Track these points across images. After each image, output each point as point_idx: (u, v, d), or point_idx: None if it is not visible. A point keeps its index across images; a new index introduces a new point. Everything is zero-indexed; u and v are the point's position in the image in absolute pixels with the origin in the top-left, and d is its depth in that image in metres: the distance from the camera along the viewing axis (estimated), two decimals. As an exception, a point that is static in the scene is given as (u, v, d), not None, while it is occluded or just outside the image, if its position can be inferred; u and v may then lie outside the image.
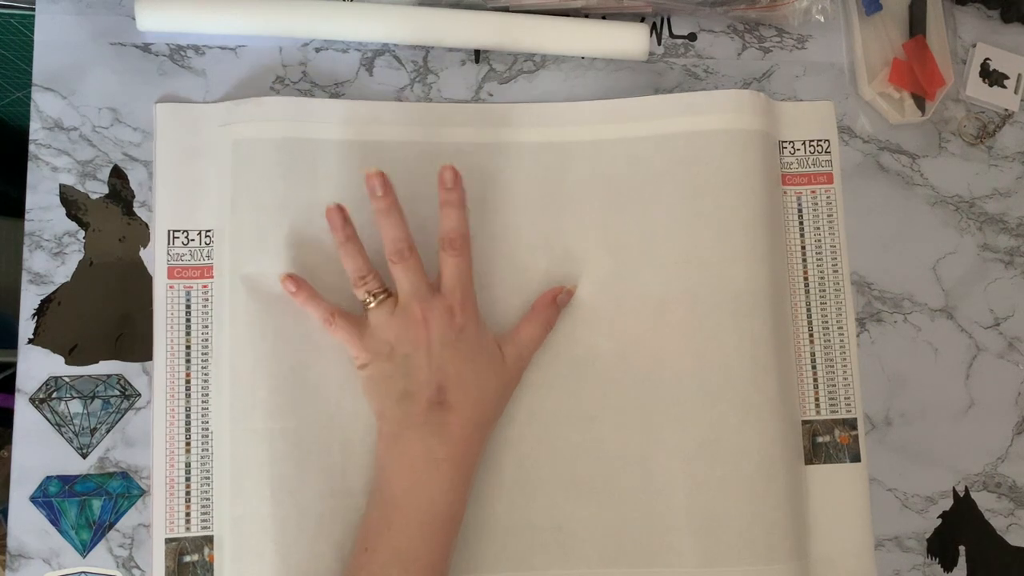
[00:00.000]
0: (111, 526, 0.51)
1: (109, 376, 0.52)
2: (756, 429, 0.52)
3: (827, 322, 0.56)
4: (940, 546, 0.56)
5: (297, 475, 0.50)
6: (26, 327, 0.52)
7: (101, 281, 0.53)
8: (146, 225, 0.54)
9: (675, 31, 0.59)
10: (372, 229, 0.50)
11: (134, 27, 0.54)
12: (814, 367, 0.56)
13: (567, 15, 0.58)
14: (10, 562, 0.50)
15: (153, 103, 0.54)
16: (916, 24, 0.60)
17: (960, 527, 0.56)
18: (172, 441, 0.51)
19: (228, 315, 0.52)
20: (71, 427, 0.51)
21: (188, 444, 0.51)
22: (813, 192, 0.57)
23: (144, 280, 0.53)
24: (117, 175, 0.54)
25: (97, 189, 0.54)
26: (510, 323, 0.52)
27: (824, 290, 0.56)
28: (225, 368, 0.51)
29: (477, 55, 0.58)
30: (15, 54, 0.80)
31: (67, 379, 0.52)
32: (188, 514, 0.51)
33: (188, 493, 0.51)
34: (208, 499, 0.51)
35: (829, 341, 0.56)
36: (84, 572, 0.50)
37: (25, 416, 0.51)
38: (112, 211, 0.54)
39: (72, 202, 0.53)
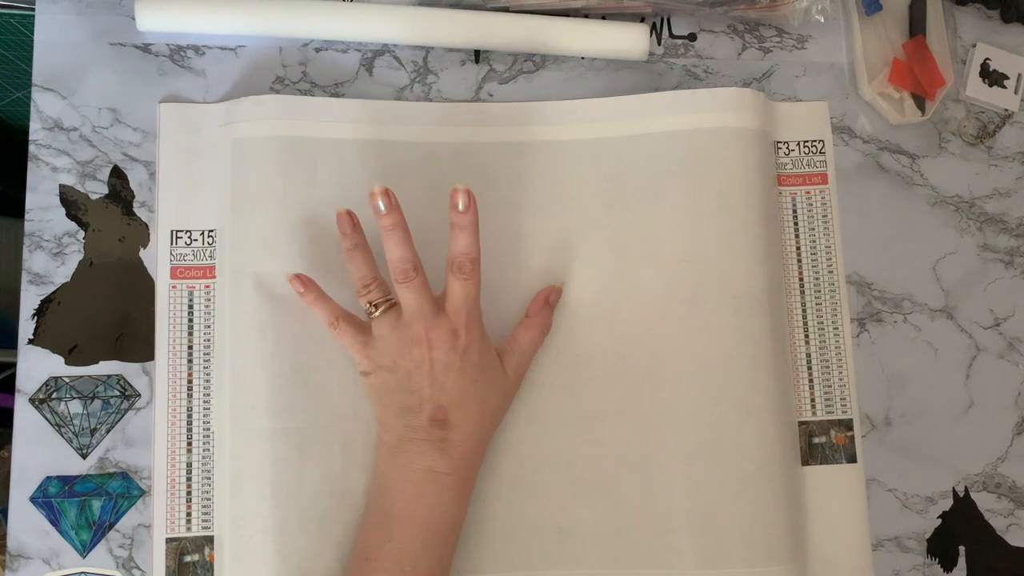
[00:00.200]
0: (111, 526, 0.51)
1: (109, 376, 0.52)
2: (756, 430, 0.52)
3: (823, 323, 0.56)
4: (940, 546, 0.56)
5: (298, 475, 0.50)
6: (26, 327, 0.52)
7: (101, 281, 0.53)
8: (146, 225, 0.54)
9: (675, 31, 0.59)
10: (377, 230, 0.49)
11: (134, 27, 0.54)
12: (810, 368, 0.56)
13: (567, 15, 0.58)
14: (10, 562, 0.50)
15: (154, 103, 0.55)
16: (916, 24, 0.60)
17: (960, 527, 0.56)
18: (173, 441, 0.51)
19: (229, 315, 0.52)
20: (71, 427, 0.51)
21: (189, 444, 0.51)
22: (808, 193, 0.57)
23: (144, 280, 0.53)
24: (117, 175, 0.54)
25: (97, 189, 0.54)
26: (510, 322, 0.52)
27: (819, 291, 0.57)
28: (227, 368, 0.52)
29: (477, 55, 0.58)
30: (15, 54, 0.80)
31: (67, 379, 0.52)
32: (189, 514, 0.51)
33: (189, 493, 0.51)
34: (209, 499, 0.51)
35: (825, 342, 0.56)
36: (84, 572, 0.50)
37: (25, 416, 0.51)
38: (112, 211, 0.54)
39: (72, 202, 0.53)
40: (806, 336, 0.56)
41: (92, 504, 0.51)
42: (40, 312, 0.52)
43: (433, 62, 0.57)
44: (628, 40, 0.57)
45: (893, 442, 0.56)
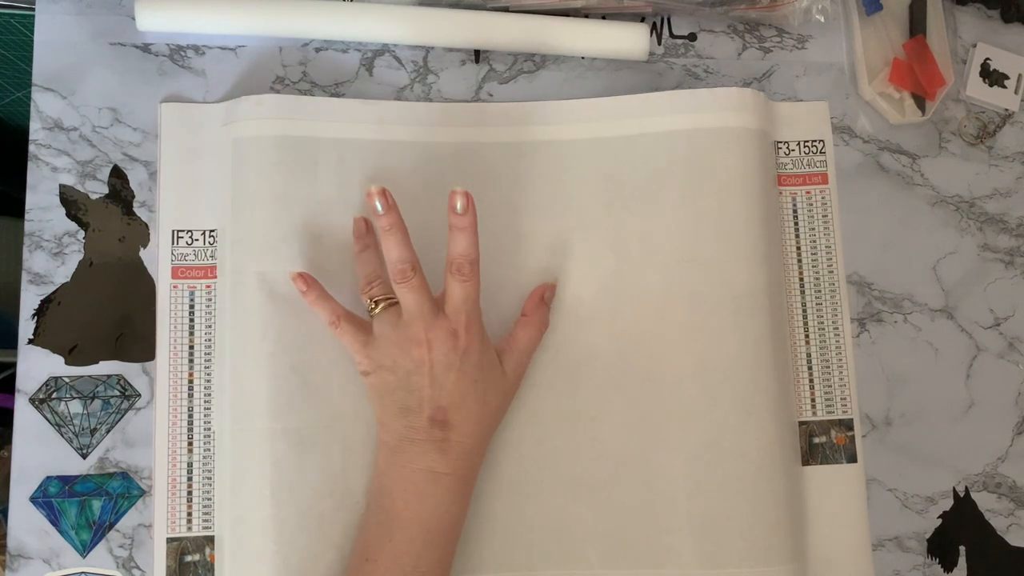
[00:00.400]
0: (111, 526, 0.51)
1: (109, 376, 0.52)
2: (756, 430, 0.52)
3: (823, 323, 0.56)
4: (940, 546, 0.56)
5: (298, 475, 0.50)
6: (26, 327, 0.52)
7: (101, 281, 0.53)
8: (146, 225, 0.54)
9: (675, 31, 0.59)
10: None
11: (134, 27, 0.54)
12: (810, 368, 0.56)
13: (567, 15, 0.58)
14: (10, 562, 0.50)
15: (154, 103, 0.55)
16: (916, 24, 0.60)
17: (960, 527, 0.56)
18: (174, 441, 0.51)
19: (230, 315, 0.52)
20: (71, 427, 0.51)
21: (190, 444, 0.51)
22: (808, 193, 0.57)
23: (144, 280, 0.53)
24: (117, 175, 0.54)
25: (97, 189, 0.54)
26: (510, 322, 0.52)
27: (820, 291, 0.57)
28: (227, 368, 0.52)
29: (477, 55, 0.58)
30: (15, 54, 0.80)
31: (67, 379, 0.52)
32: (190, 514, 0.51)
33: (190, 493, 0.51)
34: (210, 499, 0.51)
35: (825, 342, 0.56)
36: (84, 572, 0.50)
37: (25, 416, 0.51)
38: (112, 211, 0.54)
39: (72, 202, 0.53)
40: (806, 336, 0.56)
41: (92, 504, 0.51)
42: (40, 312, 0.52)
43: (433, 62, 0.57)
44: (628, 40, 0.57)
45: (893, 442, 0.56)
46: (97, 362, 0.52)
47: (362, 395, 0.50)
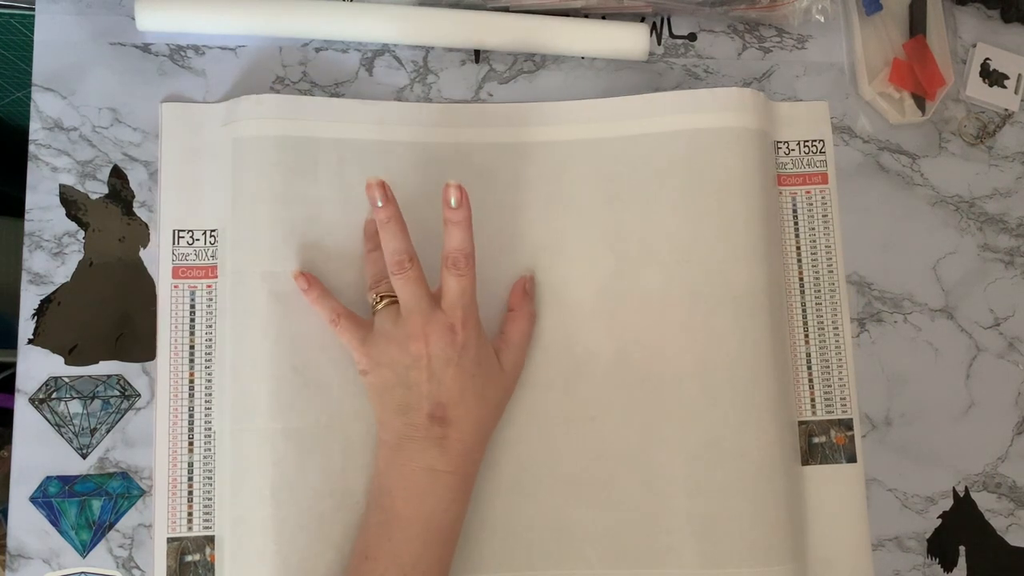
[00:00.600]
0: (111, 526, 0.51)
1: (109, 376, 0.52)
2: (756, 430, 0.52)
3: (823, 323, 0.56)
4: (940, 546, 0.56)
5: (298, 475, 0.50)
6: (26, 327, 0.52)
7: (101, 281, 0.53)
8: (146, 225, 0.54)
9: (675, 31, 0.59)
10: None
11: (134, 27, 0.54)
12: (809, 368, 0.56)
13: (567, 15, 0.58)
14: (10, 562, 0.50)
15: (154, 103, 0.55)
16: (916, 24, 0.60)
17: (960, 527, 0.56)
18: (175, 441, 0.51)
19: (230, 315, 0.52)
20: (71, 427, 0.51)
21: (191, 444, 0.51)
22: (808, 192, 0.57)
23: (144, 280, 0.53)
24: (117, 175, 0.54)
25: (97, 189, 0.54)
26: (509, 322, 0.52)
27: (819, 291, 0.57)
28: (228, 368, 0.52)
29: (477, 55, 0.58)
30: (15, 54, 0.80)
31: (67, 379, 0.52)
32: (190, 514, 0.51)
33: (190, 492, 0.51)
34: (210, 499, 0.51)
35: (824, 342, 0.56)
36: (84, 572, 0.50)
37: (25, 416, 0.51)
38: (112, 211, 0.54)
39: (72, 202, 0.53)
40: (806, 336, 0.56)
41: (92, 504, 0.51)
42: (40, 312, 0.52)
43: (433, 62, 0.57)
44: (628, 40, 0.57)
45: (893, 442, 0.56)
46: (97, 362, 0.52)
47: (362, 395, 0.50)
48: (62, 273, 0.53)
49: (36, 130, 0.54)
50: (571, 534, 0.51)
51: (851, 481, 0.55)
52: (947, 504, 0.56)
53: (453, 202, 0.47)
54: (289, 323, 0.51)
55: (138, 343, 0.52)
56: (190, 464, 0.51)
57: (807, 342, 0.56)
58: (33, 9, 0.55)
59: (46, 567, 0.50)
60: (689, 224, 0.54)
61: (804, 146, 0.58)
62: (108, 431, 0.52)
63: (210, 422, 0.52)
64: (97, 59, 0.55)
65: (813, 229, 0.57)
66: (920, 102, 0.59)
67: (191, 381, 0.52)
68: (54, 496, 0.51)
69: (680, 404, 0.52)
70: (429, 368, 0.47)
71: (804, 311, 0.56)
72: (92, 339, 0.52)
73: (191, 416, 0.52)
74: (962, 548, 0.56)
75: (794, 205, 0.57)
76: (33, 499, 0.51)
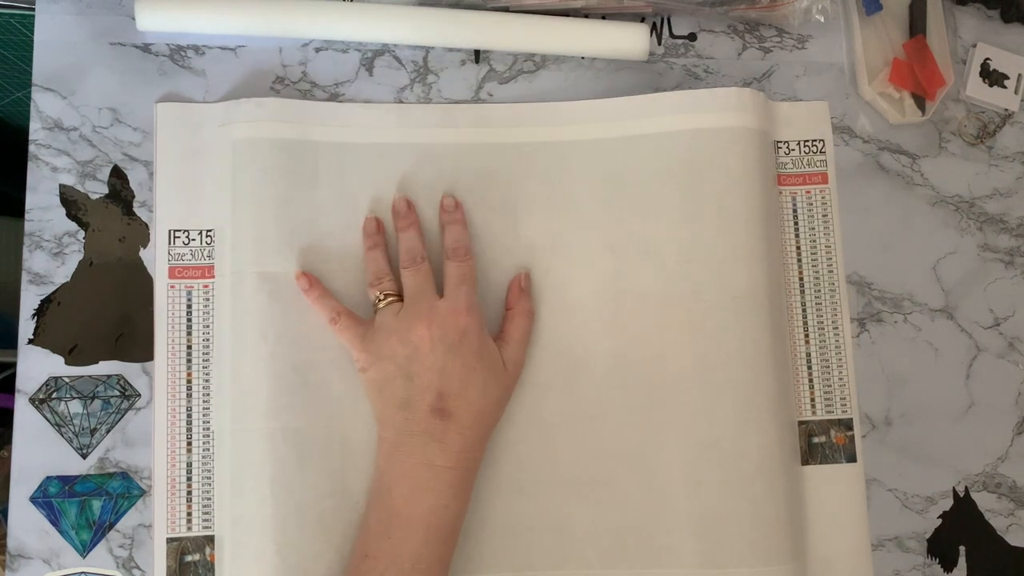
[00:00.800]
0: (111, 526, 0.51)
1: (109, 376, 0.52)
2: (756, 430, 0.52)
3: (823, 323, 0.56)
4: (940, 546, 0.56)
5: (298, 475, 0.50)
6: (26, 327, 0.52)
7: (101, 281, 0.53)
8: (146, 225, 0.54)
9: (675, 31, 0.59)
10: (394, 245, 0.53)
11: (134, 27, 0.54)
12: (809, 367, 0.56)
13: (567, 15, 0.58)
14: (10, 562, 0.50)
15: (153, 103, 0.54)
16: (916, 24, 0.60)
17: (960, 527, 0.56)
18: (173, 441, 0.51)
19: (229, 315, 0.52)
20: (71, 427, 0.51)
21: (189, 444, 0.51)
22: (808, 192, 0.57)
23: (144, 280, 0.53)
24: (117, 175, 0.54)
25: (97, 189, 0.54)
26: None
27: (819, 291, 0.56)
28: (227, 368, 0.52)
29: (477, 55, 0.58)
30: (15, 54, 0.80)
31: (67, 379, 0.52)
32: (190, 514, 0.51)
33: (189, 493, 0.51)
34: (209, 499, 0.51)
35: (824, 341, 0.56)
36: (84, 572, 0.50)
37: (25, 416, 0.51)
38: (112, 211, 0.54)
39: (72, 202, 0.53)
40: (806, 336, 0.56)
41: (92, 504, 0.51)
42: (40, 312, 0.52)
43: (433, 62, 0.57)
44: (628, 40, 0.57)
45: (893, 442, 0.56)
46: (97, 362, 0.52)
47: (362, 395, 0.50)
48: (62, 273, 0.53)
49: (36, 130, 0.54)
50: (571, 534, 0.51)
51: (851, 481, 0.55)
52: (947, 504, 0.56)
53: (450, 208, 0.53)
54: (289, 323, 0.51)
55: (138, 343, 0.52)
56: (189, 464, 0.51)
57: (807, 342, 0.56)
58: (33, 9, 0.55)
59: (46, 567, 0.50)
60: (689, 224, 0.54)
61: (804, 146, 0.58)
62: (108, 431, 0.52)
63: (208, 422, 0.52)
64: (97, 59, 0.55)
65: (813, 229, 0.57)
66: (920, 102, 0.59)
67: (189, 381, 0.52)
68: (54, 496, 0.51)
69: (680, 404, 0.52)
70: (432, 353, 0.47)
71: (804, 311, 0.56)
72: (92, 339, 0.52)
73: (189, 416, 0.52)
74: (962, 548, 0.56)
75: (794, 205, 0.57)
76: (33, 499, 0.51)
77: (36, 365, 0.52)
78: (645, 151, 0.55)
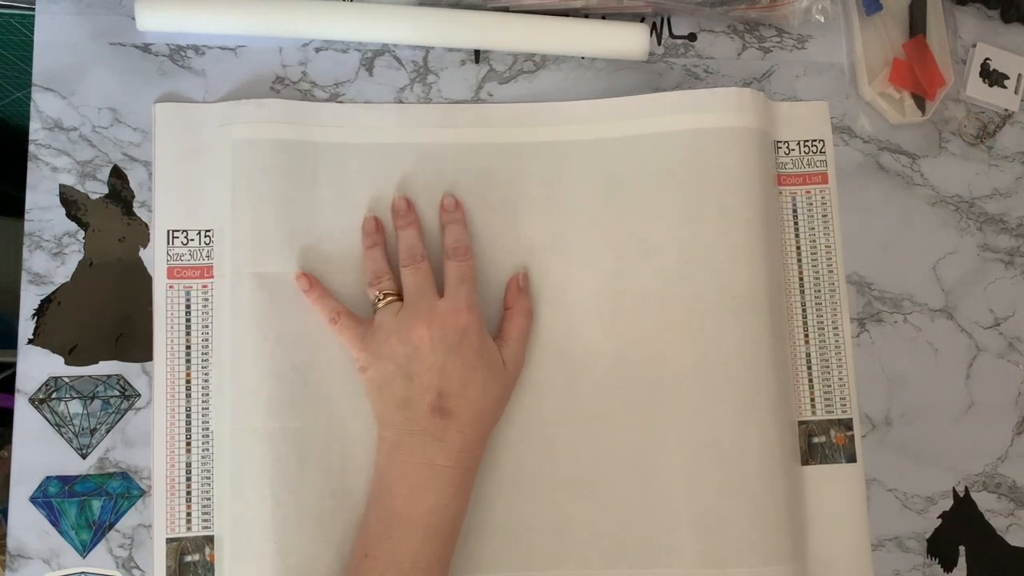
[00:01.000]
0: (111, 526, 0.51)
1: (109, 376, 0.52)
2: (756, 430, 0.52)
3: (823, 323, 0.56)
4: (940, 546, 0.56)
5: (298, 475, 0.50)
6: (26, 327, 0.52)
7: (101, 281, 0.53)
8: (146, 225, 0.54)
9: (675, 31, 0.59)
10: (393, 244, 0.53)
11: (134, 27, 0.54)
12: (809, 367, 0.56)
13: (567, 15, 0.58)
14: (10, 562, 0.50)
15: (152, 103, 0.54)
16: (916, 24, 0.60)
17: (960, 527, 0.56)
18: (173, 441, 0.51)
19: (229, 315, 0.52)
20: (71, 427, 0.51)
21: (189, 444, 0.51)
22: (808, 192, 0.57)
23: (144, 280, 0.53)
24: (117, 175, 0.54)
25: (97, 189, 0.54)
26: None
27: (819, 291, 0.56)
28: (226, 368, 0.52)
29: (477, 55, 0.58)
30: (15, 54, 0.80)
31: (67, 379, 0.52)
32: (189, 514, 0.51)
33: (189, 493, 0.51)
34: (209, 499, 0.51)
35: (824, 341, 0.56)
36: (84, 572, 0.50)
37: (25, 416, 0.51)
38: (112, 211, 0.54)
39: (72, 202, 0.53)
40: (806, 336, 0.56)
41: (92, 504, 0.51)
42: (40, 312, 0.52)
43: (433, 62, 0.57)
44: (628, 40, 0.57)
45: (893, 442, 0.56)
46: (97, 362, 0.52)
47: (362, 395, 0.50)
48: (62, 273, 0.53)
49: (36, 130, 0.54)
50: (571, 534, 0.51)
51: (851, 481, 0.55)
52: (947, 504, 0.56)
53: (450, 208, 0.53)
54: (289, 323, 0.51)
55: (138, 343, 0.52)
56: (188, 464, 0.51)
57: (807, 342, 0.56)
58: (33, 9, 0.55)
59: (46, 567, 0.50)
60: (689, 224, 0.54)
61: (804, 146, 0.58)
62: (108, 431, 0.52)
63: (208, 422, 0.52)
64: (97, 59, 0.55)
65: (813, 229, 0.57)
66: (920, 102, 0.59)
67: (188, 381, 0.52)
68: (54, 496, 0.51)
69: (680, 404, 0.52)
70: (432, 352, 0.47)
71: (804, 311, 0.56)
72: (92, 339, 0.52)
73: (188, 416, 0.52)
74: (962, 548, 0.56)
75: (794, 205, 0.57)
76: (33, 499, 0.51)
77: (36, 365, 0.52)
78: (645, 151, 0.55)
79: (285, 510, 0.49)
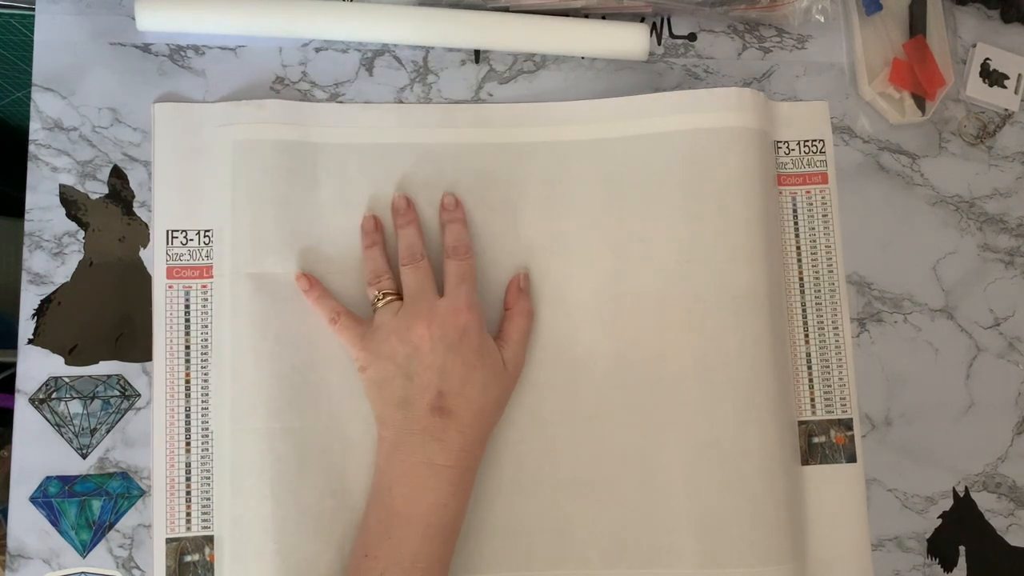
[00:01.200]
0: (111, 526, 0.51)
1: (109, 376, 0.52)
2: (756, 429, 0.52)
3: (823, 322, 0.56)
4: (940, 546, 0.56)
5: (297, 475, 0.50)
6: (26, 327, 0.52)
7: (101, 281, 0.53)
8: (146, 225, 0.54)
9: (675, 31, 0.59)
10: (393, 244, 0.53)
11: (134, 27, 0.54)
12: (809, 367, 0.56)
13: (567, 15, 0.58)
14: (10, 562, 0.50)
15: (151, 103, 0.54)
16: (916, 24, 0.60)
17: (960, 527, 0.56)
18: (172, 441, 0.51)
19: (229, 315, 0.52)
20: (71, 427, 0.51)
21: (188, 444, 0.51)
22: (808, 192, 0.57)
23: (144, 280, 0.53)
24: (117, 175, 0.54)
25: (97, 189, 0.54)
26: (510, 323, 0.53)
27: (819, 291, 0.56)
28: (226, 368, 0.52)
29: (477, 55, 0.58)
30: (15, 54, 0.80)
31: (67, 379, 0.52)
32: (189, 514, 0.51)
33: (188, 493, 0.51)
34: (208, 499, 0.51)
35: (824, 341, 0.56)
36: (84, 572, 0.50)
37: (25, 416, 0.51)
38: (112, 211, 0.54)
39: (72, 202, 0.53)
40: (806, 336, 0.56)
41: (92, 504, 0.51)
42: (40, 312, 0.52)
43: (433, 62, 0.57)
44: (628, 40, 0.57)
45: (893, 442, 0.56)
46: (97, 362, 0.52)
47: (362, 395, 0.50)
48: (62, 273, 0.53)
49: (36, 130, 0.54)
50: (571, 534, 0.51)
51: (851, 481, 0.55)
52: (947, 504, 0.56)
53: (450, 207, 0.53)
54: (289, 323, 0.51)
55: (138, 343, 0.52)
56: (188, 464, 0.51)
57: (807, 342, 0.56)
58: (33, 9, 0.55)
59: (46, 567, 0.50)
60: (689, 224, 0.54)
61: (804, 146, 0.58)
62: (108, 431, 0.52)
63: (207, 422, 0.52)
64: (97, 59, 0.55)
65: (813, 229, 0.57)
66: (920, 102, 0.59)
67: (187, 381, 0.52)
68: (54, 496, 0.51)
69: (680, 404, 0.52)
70: (432, 352, 0.47)
71: (804, 311, 0.56)
72: (92, 339, 0.52)
73: (188, 416, 0.52)
74: (962, 548, 0.56)
75: (794, 205, 0.57)
76: (33, 499, 0.51)
77: (36, 365, 0.52)
78: (645, 151, 0.55)
79: (285, 510, 0.49)
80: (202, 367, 0.52)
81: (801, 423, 0.55)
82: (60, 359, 0.52)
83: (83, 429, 0.51)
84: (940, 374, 0.57)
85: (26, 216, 0.53)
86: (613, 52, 0.57)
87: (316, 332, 0.51)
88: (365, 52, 0.57)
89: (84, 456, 0.51)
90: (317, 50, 0.57)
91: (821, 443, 0.55)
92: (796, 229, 0.57)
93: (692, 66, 0.59)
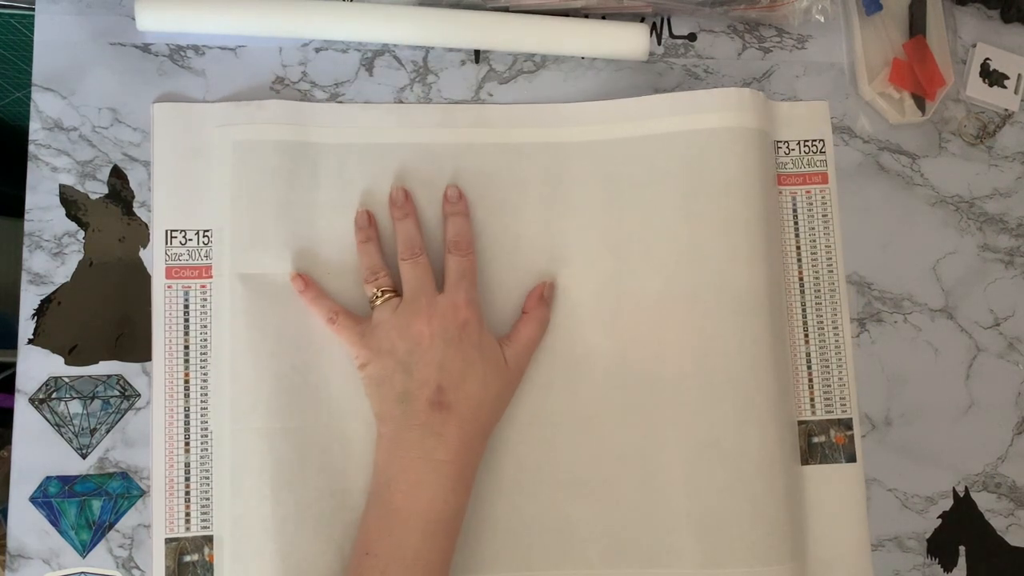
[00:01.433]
0: (111, 526, 0.51)
1: (109, 376, 0.52)
2: (756, 429, 0.52)
3: (822, 322, 0.56)
4: (940, 546, 0.56)
5: (297, 474, 0.50)
6: (26, 327, 0.52)
7: (101, 281, 0.53)
8: (146, 225, 0.54)
9: (675, 31, 0.59)
10: (389, 240, 0.53)
11: (134, 27, 0.54)
12: (809, 367, 0.56)
13: (567, 15, 0.58)
14: (10, 562, 0.50)
15: (151, 103, 0.54)
16: (916, 24, 0.60)
17: (960, 527, 0.56)
18: (171, 441, 0.51)
19: (228, 315, 0.52)
20: (71, 427, 0.51)
21: (187, 444, 0.51)
22: (808, 192, 0.57)
23: (144, 280, 0.53)
24: (117, 175, 0.54)
25: (97, 189, 0.54)
26: (510, 322, 0.52)
27: (819, 290, 0.56)
28: (225, 368, 0.52)
29: (477, 55, 0.58)
30: (15, 54, 0.80)
31: (67, 379, 0.52)
32: (188, 514, 0.51)
33: (188, 493, 0.51)
34: (208, 499, 0.51)
35: (824, 341, 0.56)
36: (84, 572, 0.50)
37: (25, 416, 0.51)
38: (112, 211, 0.54)
39: (72, 202, 0.53)
40: (806, 336, 0.56)
41: (92, 504, 0.51)
42: (40, 312, 0.52)
43: (433, 62, 0.57)
44: (628, 40, 0.57)
45: (893, 442, 0.56)
46: (97, 362, 0.52)
47: (362, 394, 0.50)
48: (62, 273, 0.53)
49: (36, 130, 0.54)
50: (571, 534, 0.51)
51: (851, 481, 0.55)
52: (947, 504, 0.56)
53: (453, 198, 0.53)
54: (288, 323, 0.51)
55: (138, 343, 0.52)
56: (187, 465, 0.51)
57: (807, 342, 0.56)
58: (33, 9, 0.55)
59: (46, 567, 0.50)
60: (689, 224, 0.54)
61: (804, 146, 0.58)
62: (108, 431, 0.52)
63: (207, 422, 0.52)
64: (97, 59, 0.55)
65: (813, 229, 0.57)
66: (920, 102, 0.59)
67: (186, 381, 0.52)
68: (54, 496, 0.51)
69: (680, 404, 0.52)
70: (431, 347, 0.47)
71: (804, 311, 0.56)
72: (92, 339, 0.52)
73: (187, 416, 0.52)
74: (962, 548, 0.56)
75: (794, 205, 0.57)
76: (33, 499, 0.51)
77: (36, 365, 0.52)
78: (645, 152, 0.55)
79: (285, 510, 0.49)
80: (201, 367, 0.52)
81: (801, 423, 0.55)
82: (60, 359, 0.52)
83: (83, 429, 0.51)
84: (940, 374, 0.57)
85: (26, 216, 0.53)
86: (613, 52, 0.57)
87: (316, 332, 0.51)
88: (365, 52, 0.57)
89: (84, 456, 0.51)
90: (317, 50, 0.57)
91: (821, 443, 0.55)
92: (796, 229, 0.57)
93: (692, 66, 0.59)
